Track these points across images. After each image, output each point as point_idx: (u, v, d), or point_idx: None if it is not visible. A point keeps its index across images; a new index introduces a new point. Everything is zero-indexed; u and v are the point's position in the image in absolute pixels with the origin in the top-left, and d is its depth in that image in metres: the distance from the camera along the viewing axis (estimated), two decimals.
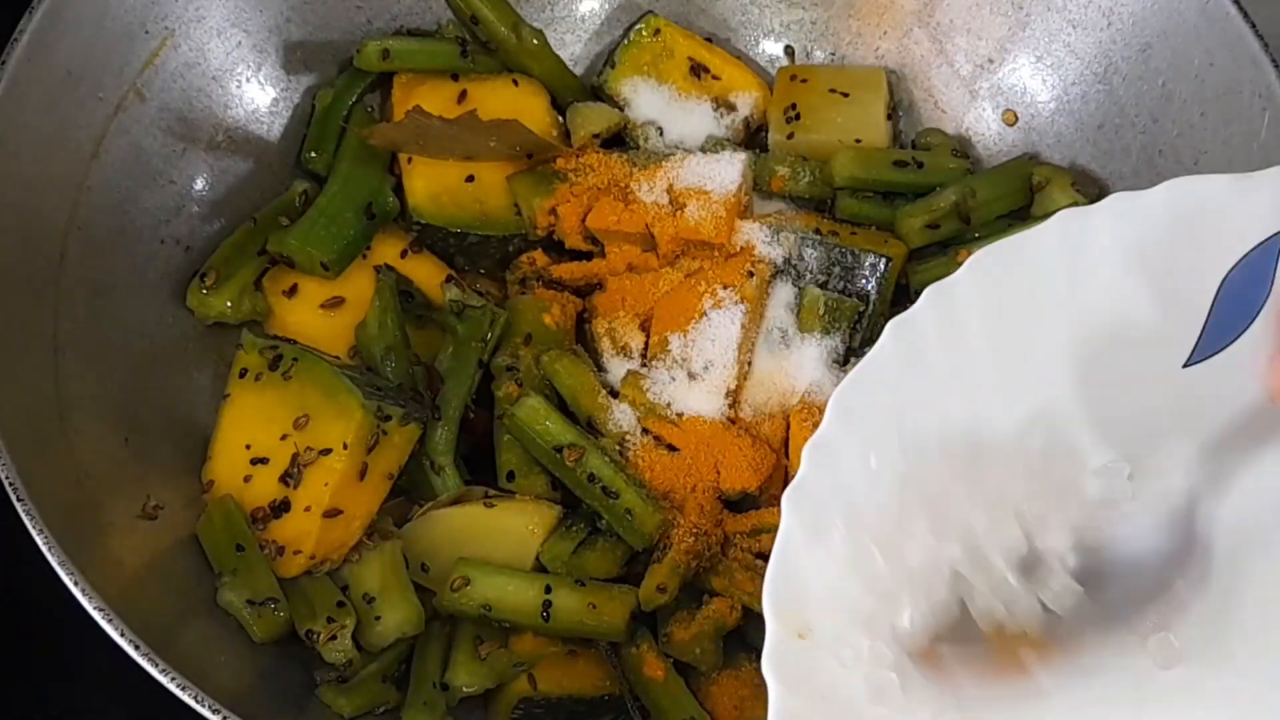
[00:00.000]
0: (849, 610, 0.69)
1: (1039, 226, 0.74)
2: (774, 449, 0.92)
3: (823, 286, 0.95)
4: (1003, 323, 0.73)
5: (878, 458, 0.71)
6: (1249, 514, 0.73)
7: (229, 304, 0.95)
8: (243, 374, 0.92)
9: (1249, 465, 0.73)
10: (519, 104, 1.01)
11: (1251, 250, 0.74)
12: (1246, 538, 0.73)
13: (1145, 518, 0.73)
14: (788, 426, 0.92)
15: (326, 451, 0.87)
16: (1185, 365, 0.75)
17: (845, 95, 1.03)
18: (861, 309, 0.95)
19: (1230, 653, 0.71)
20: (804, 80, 1.04)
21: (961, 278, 0.73)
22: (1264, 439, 0.72)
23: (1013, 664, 0.71)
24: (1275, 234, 0.74)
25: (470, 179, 0.98)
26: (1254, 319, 0.74)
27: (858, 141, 1.01)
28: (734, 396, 0.93)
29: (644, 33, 1.05)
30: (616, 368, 0.94)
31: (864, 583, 0.69)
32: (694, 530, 0.88)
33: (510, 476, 0.92)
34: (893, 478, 0.71)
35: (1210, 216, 0.74)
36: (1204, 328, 0.75)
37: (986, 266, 0.73)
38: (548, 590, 0.86)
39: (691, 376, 0.92)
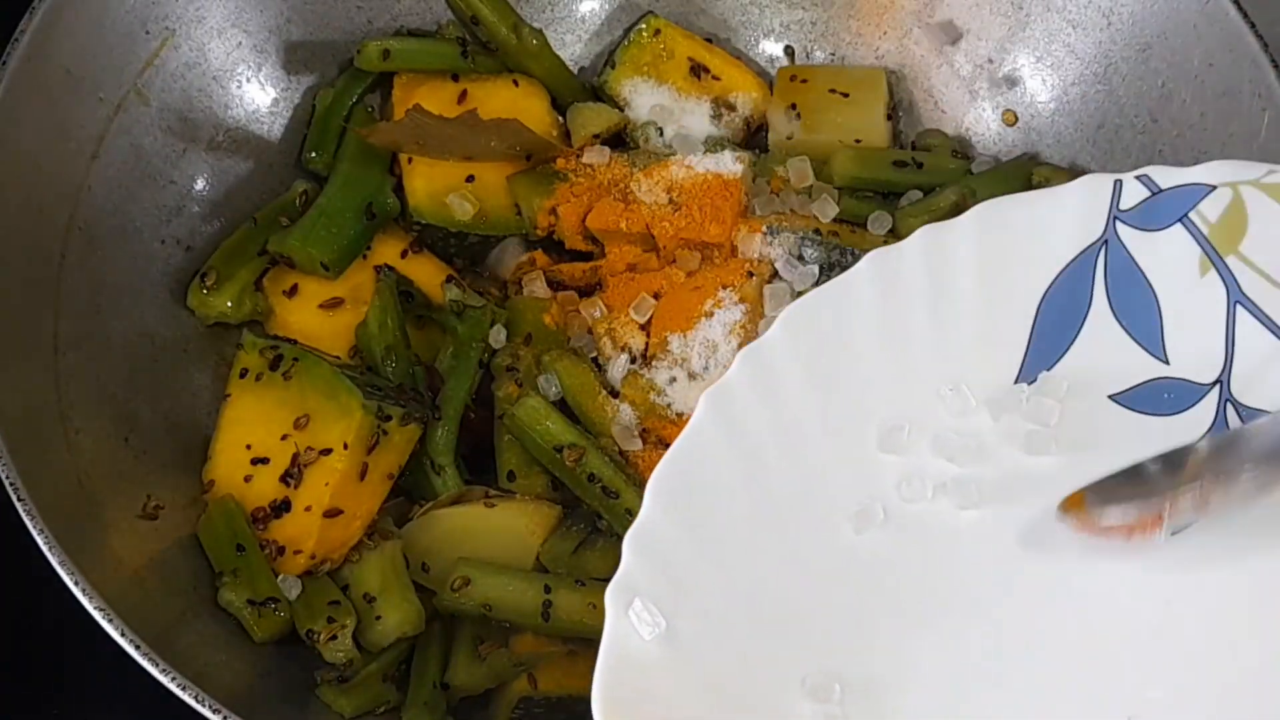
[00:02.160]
0: (686, 710, 0.66)
1: (849, 271, 0.73)
2: None
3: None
4: (824, 378, 0.73)
5: (703, 544, 0.69)
6: None
7: (229, 304, 0.95)
8: (243, 374, 0.92)
9: None
10: (519, 104, 1.01)
11: (1069, 263, 0.75)
12: None
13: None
14: None
15: (327, 451, 0.87)
16: (1015, 382, 0.75)
17: (845, 95, 1.03)
18: None
19: None
20: (804, 80, 1.04)
21: (774, 336, 0.72)
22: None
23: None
24: (1090, 245, 0.74)
25: (470, 179, 0.98)
26: (1078, 332, 0.74)
27: (858, 141, 1.01)
28: None
29: (644, 33, 1.05)
30: (617, 368, 0.94)
31: (701, 681, 0.67)
32: None
33: (510, 476, 0.92)
34: (722, 566, 0.69)
35: (1022, 236, 0.74)
36: (1028, 346, 0.75)
37: (798, 321, 0.73)
38: (548, 590, 0.86)
39: (691, 376, 0.92)
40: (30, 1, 0.88)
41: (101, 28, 0.92)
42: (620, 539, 0.89)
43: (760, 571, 0.70)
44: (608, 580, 0.88)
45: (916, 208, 0.98)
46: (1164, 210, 0.75)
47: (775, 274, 0.95)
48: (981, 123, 1.05)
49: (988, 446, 0.74)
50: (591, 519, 0.90)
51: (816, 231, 0.96)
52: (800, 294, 0.94)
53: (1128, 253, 0.75)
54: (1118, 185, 0.75)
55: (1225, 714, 0.68)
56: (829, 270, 0.95)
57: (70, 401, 0.86)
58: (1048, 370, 0.75)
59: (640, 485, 0.89)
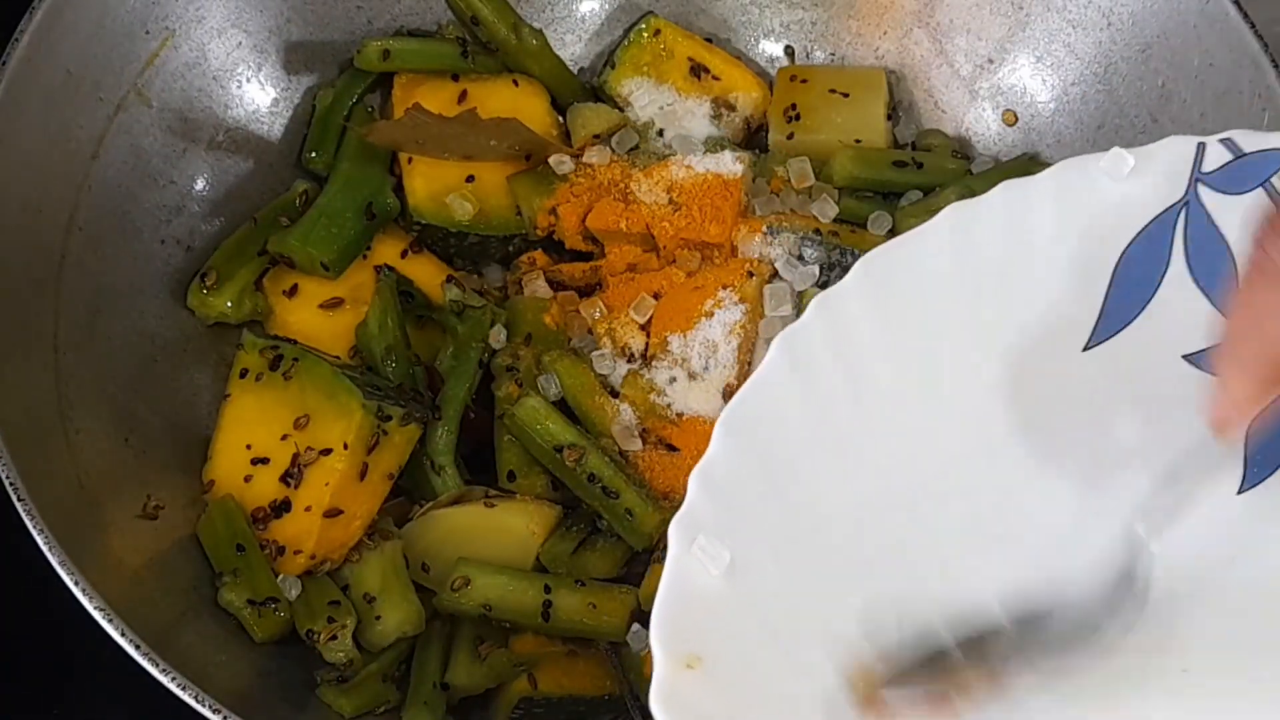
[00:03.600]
0: (744, 644, 0.66)
1: (927, 224, 0.72)
2: None
3: (822, 287, 0.95)
4: (901, 332, 0.71)
5: (771, 482, 0.69)
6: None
7: (230, 304, 0.95)
8: (243, 374, 0.92)
9: (1194, 503, 0.70)
10: (519, 104, 1.01)
11: (1149, 224, 0.73)
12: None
13: (1086, 556, 0.70)
14: None
15: (327, 451, 0.87)
16: (1084, 349, 0.73)
17: (845, 95, 1.03)
18: None
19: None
20: (804, 80, 1.04)
21: (849, 283, 0.71)
22: (1209, 475, 0.70)
23: (942, 702, 0.68)
24: (1170, 206, 0.74)
25: (470, 179, 0.98)
26: (1155, 291, 0.73)
27: (858, 141, 1.01)
28: (734, 396, 0.93)
29: (644, 33, 1.05)
30: (616, 368, 0.94)
31: (759, 616, 0.67)
32: None
33: (510, 476, 0.92)
34: (788, 505, 0.69)
35: (1103, 194, 0.73)
36: (1102, 308, 0.74)
37: (874, 270, 0.71)
38: (548, 590, 0.86)
39: (691, 376, 0.93)
40: (30, 1, 0.88)
41: (101, 28, 0.92)
42: (620, 539, 0.89)
43: (824, 510, 0.70)
44: (608, 580, 0.89)
45: (916, 208, 0.98)
46: (1246, 174, 0.73)
47: (775, 274, 0.95)
48: (981, 123, 1.05)
49: (1057, 398, 0.73)
50: (591, 519, 0.90)
51: (816, 231, 0.96)
52: (800, 294, 0.95)
53: (1208, 215, 0.74)
54: (1201, 148, 0.73)
55: None
56: (829, 270, 0.95)
57: (70, 401, 0.86)
58: (1123, 329, 0.74)
59: (640, 485, 0.89)
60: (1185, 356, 0.73)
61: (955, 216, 0.72)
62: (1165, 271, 0.74)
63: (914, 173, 1.00)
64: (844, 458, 0.71)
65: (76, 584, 0.76)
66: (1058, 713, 0.68)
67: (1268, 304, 0.59)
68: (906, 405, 0.72)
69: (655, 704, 0.62)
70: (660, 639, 0.64)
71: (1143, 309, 0.74)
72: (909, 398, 0.72)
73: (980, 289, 0.73)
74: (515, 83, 1.02)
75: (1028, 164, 1.01)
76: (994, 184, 0.98)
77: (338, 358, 0.93)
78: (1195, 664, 0.70)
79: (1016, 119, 1.04)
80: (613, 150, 1.00)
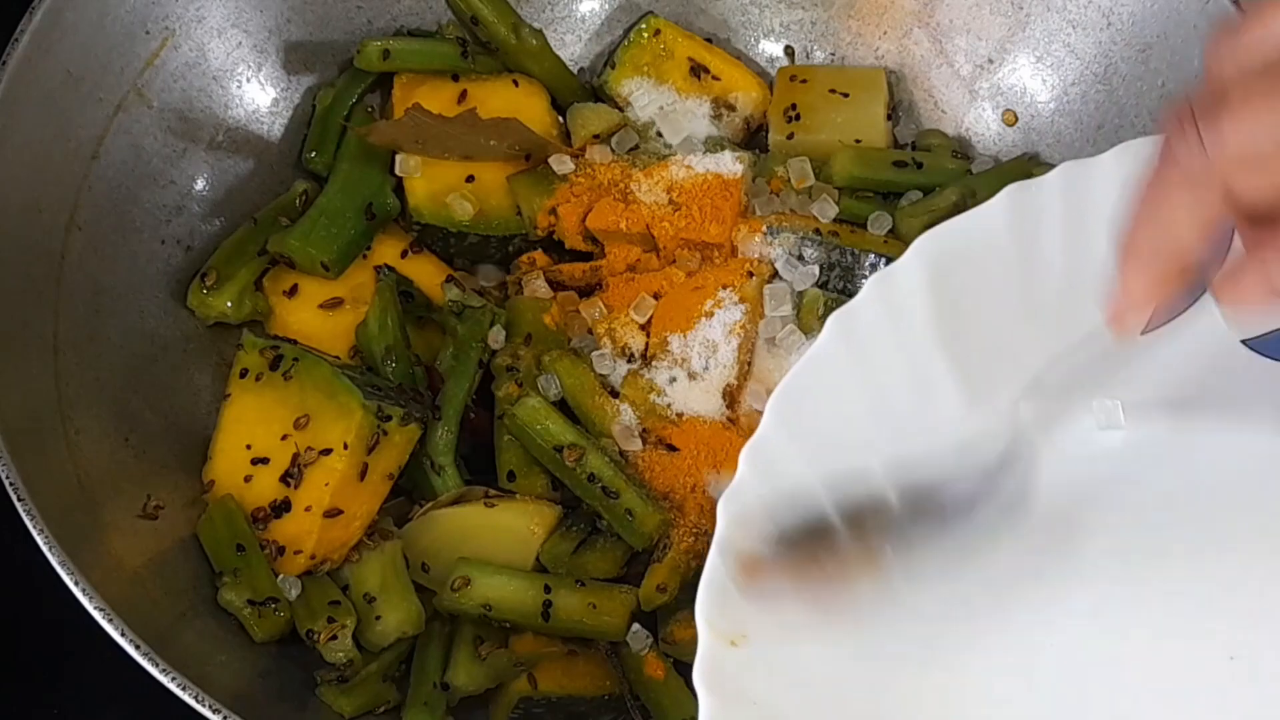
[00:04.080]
0: (785, 617, 0.66)
1: (986, 204, 0.71)
2: None
3: (822, 287, 0.95)
4: (950, 308, 0.70)
5: (816, 461, 0.68)
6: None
7: (230, 304, 0.95)
8: (243, 374, 0.92)
9: (1083, 402, 0.70)
10: (519, 104, 1.01)
11: None
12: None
13: (971, 430, 0.70)
14: None
15: (327, 451, 0.87)
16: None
17: (845, 95, 1.03)
18: None
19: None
20: (804, 80, 1.04)
21: (905, 263, 0.70)
22: (1098, 368, 0.69)
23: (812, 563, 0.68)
24: None
25: (470, 179, 0.98)
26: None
27: (858, 141, 1.01)
28: (733, 396, 0.93)
29: (644, 33, 1.05)
30: (616, 368, 0.94)
31: (802, 590, 0.67)
32: (694, 530, 0.88)
33: (510, 476, 0.92)
34: (831, 481, 0.69)
35: None
36: None
37: (927, 250, 0.70)
38: (548, 590, 0.86)
39: (691, 376, 0.92)
40: (30, 1, 0.88)
41: (101, 28, 0.92)
42: (620, 539, 0.89)
43: (873, 483, 0.69)
44: (608, 580, 0.89)
45: (916, 208, 0.98)
46: None
47: (775, 274, 0.95)
48: (981, 123, 1.05)
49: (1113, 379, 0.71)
50: (591, 519, 0.90)
51: (816, 231, 0.96)
52: (800, 294, 0.95)
53: None
54: None
55: None
56: (829, 270, 0.95)
57: (70, 401, 0.86)
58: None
59: (640, 485, 0.89)
60: (1244, 342, 0.72)
61: (1016, 194, 0.70)
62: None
63: (914, 173, 1.00)
64: (892, 436, 0.70)
65: (76, 584, 0.76)
66: (939, 613, 0.69)
67: (1168, 197, 0.57)
68: (959, 382, 0.71)
69: (698, 679, 0.62)
70: (705, 616, 0.63)
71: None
72: (962, 373, 0.71)
73: (1037, 274, 0.71)
74: (515, 83, 1.02)
75: (1028, 164, 1.01)
76: (994, 184, 0.97)
77: (338, 358, 0.93)
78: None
79: (1016, 119, 1.04)
80: (613, 150, 1.00)
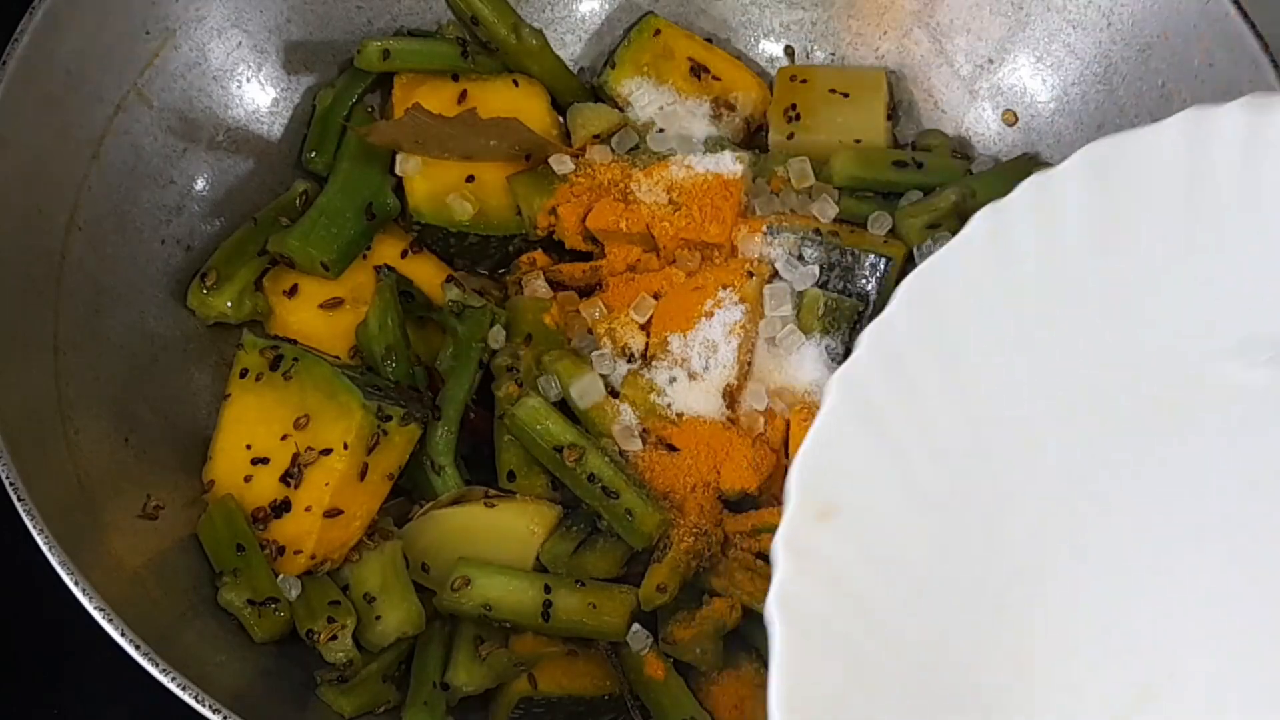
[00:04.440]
0: (879, 500, 0.64)
1: (1159, 124, 0.67)
2: (774, 449, 0.92)
3: (823, 287, 0.95)
4: (1114, 226, 0.67)
5: (947, 357, 0.66)
6: None
7: (230, 304, 0.95)
8: (243, 374, 0.92)
9: None
10: (519, 104, 1.01)
11: None
12: None
13: None
14: (787, 426, 0.92)
15: (327, 451, 0.87)
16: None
17: (845, 95, 1.03)
18: (861, 309, 0.95)
19: None
20: (804, 80, 1.04)
21: (1068, 170, 0.67)
22: None
23: None
24: None
25: (470, 179, 0.98)
26: None
27: (858, 141, 1.01)
28: (734, 396, 0.93)
29: (644, 33, 1.05)
30: (616, 368, 0.94)
31: (902, 475, 0.65)
32: (694, 530, 0.88)
33: (510, 476, 0.92)
34: (962, 385, 0.66)
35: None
36: None
37: (1096, 160, 0.67)
38: (548, 590, 0.86)
39: (691, 376, 0.92)
40: (30, 1, 0.88)
41: (101, 28, 0.92)
42: (620, 539, 0.89)
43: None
44: (608, 580, 0.89)
45: (916, 208, 0.98)
46: None
47: (775, 274, 0.95)
48: (981, 123, 1.05)
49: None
50: (591, 519, 0.90)
51: (816, 231, 0.96)
52: (800, 294, 0.95)
53: None
54: None
55: None
56: (829, 270, 0.95)
57: (70, 401, 0.86)
58: None
59: (640, 485, 0.89)
60: None
61: (1194, 118, 0.67)
62: None
63: (914, 173, 1.00)
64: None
65: (76, 584, 0.76)
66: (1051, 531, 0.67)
67: None
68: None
69: (779, 544, 0.61)
70: (800, 483, 0.62)
71: None
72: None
73: (1211, 195, 0.68)
74: (515, 83, 1.02)
75: (1028, 164, 1.01)
76: (994, 184, 0.98)
77: (338, 358, 0.93)
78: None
79: (1016, 119, 1.04)
80: (613, 150, 1.00)
